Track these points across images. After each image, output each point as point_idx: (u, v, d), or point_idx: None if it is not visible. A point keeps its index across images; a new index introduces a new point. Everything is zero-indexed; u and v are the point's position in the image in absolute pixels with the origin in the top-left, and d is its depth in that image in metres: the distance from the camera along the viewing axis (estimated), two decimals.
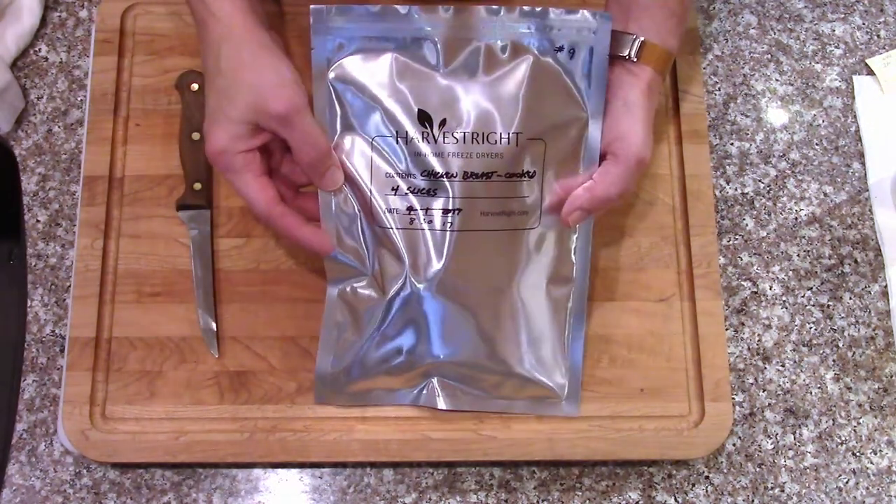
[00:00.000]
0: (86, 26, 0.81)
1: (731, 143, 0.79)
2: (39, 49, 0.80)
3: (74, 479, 0.70)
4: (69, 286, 0.73)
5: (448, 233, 0.64)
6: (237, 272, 0.72)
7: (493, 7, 0.63)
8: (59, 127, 0.78)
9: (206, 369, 0.70)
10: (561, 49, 0.64)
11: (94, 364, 0.70)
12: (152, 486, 0.70)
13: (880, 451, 0.71)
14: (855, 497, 0.70)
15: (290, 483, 0.70)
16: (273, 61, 0.62)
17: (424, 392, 0.68)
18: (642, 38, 0.64)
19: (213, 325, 0.71)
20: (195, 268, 0.72)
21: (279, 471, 0.70)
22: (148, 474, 0.70)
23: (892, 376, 0.73)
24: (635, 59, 0.64)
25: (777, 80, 0.80)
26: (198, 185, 0.73)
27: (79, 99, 0.79)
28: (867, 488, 0.70)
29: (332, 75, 0.63)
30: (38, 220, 0.76)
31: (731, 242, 0.76)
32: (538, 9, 0.63)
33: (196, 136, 0.73)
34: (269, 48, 0.62)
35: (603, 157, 0.65)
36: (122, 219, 0.73)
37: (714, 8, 0.82)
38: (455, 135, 0.63)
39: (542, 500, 0.70)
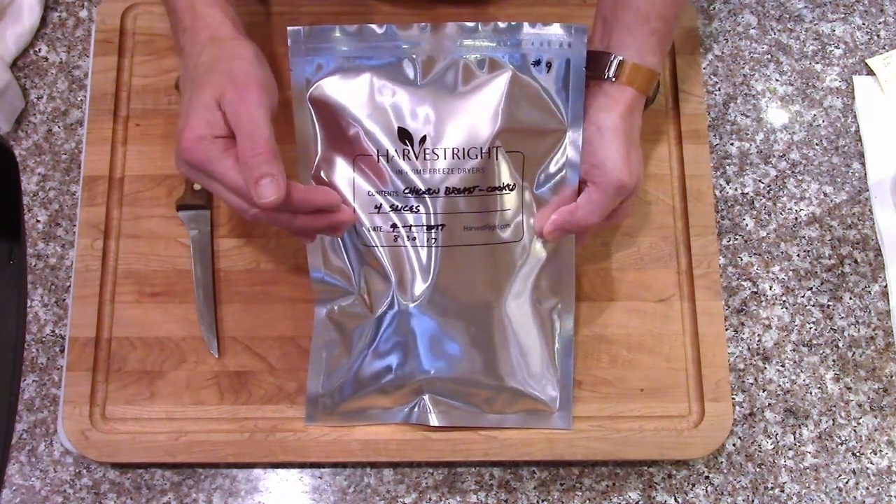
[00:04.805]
0: (86, 26, 0.81)
1: (731, 143, 0.79)
2: (39, 49, 0.80)
3: (74, 479, 0.70)
4: (69, 286, 0.73)
5: (433, 249, 0.65)
6: (237, 272, 0.73)
7: (469, 24, 0.64)
8: (59, 127, 0.78)
9: (206, 369, 0.70)
10: (537, 63, 0.64)
11: (94, 364, 0.70)
12: (152, 486, 0.70)
13: (880, 451, 0.71)
14: (855, 497, 0.70)
15: (290, 483, 0.70)
16: (251, 58, 0.61)
17: (416, 409, 0.68)
18: (621, 58, 0.64)
19: (213, 325, 0.71)
20: (195, 268, 0.72)
21: (279, 471, 0.70)
22: (148, 474, 0.70)
23: (892, 376, 0.73)
24: (614, 80, 0.64)
25: (777, 80, 0.81)
26: (198, 185, 0.73)
27: (79, 99, 0.79)
28: (867, 488, 0.70)
29: (311, 96, 0.63)
30: (38, 220, 0.76)
31: (731, 242, 0.76)
32: (513, 24, 0.64)
33: None
34: (252, 51, 0.62)
35: (584, 183, 0.65)
36: (122, 219, 0.73)
37: (714, 8, 0.82)
38: (436, 151, 0.63)
39: (542, 500, 0.70)
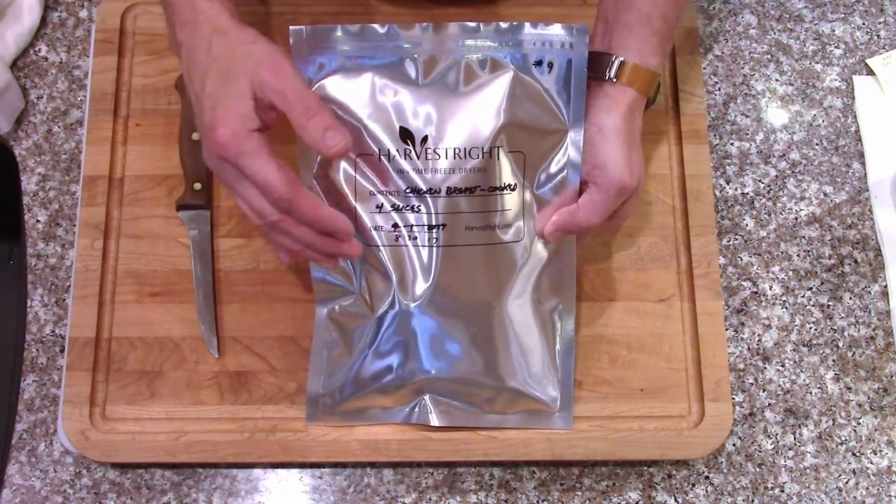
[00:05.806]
0: (86, 26, 0.81)
1: (731, 143, 0.79)
2: (39, 49, 0.80)
3: (74, 479, 0.70)
4: (69, 286, 0.73)
5: (434, 248, 0.65)
6: (237, 272, 0.73)
7: (471, 24, 0.64)
8: (59, 127, 0.78)
9: (206, 369, 0.70)
10: (539, 63, 0.64)
11: (94, 364, 0.70)
12: (152, 486, 0.70)
13: (880, 451, 0.71)
14: (855, 497, 0.70)
15: (290, 483, 0.70)
16: (263, 39, 0.61)
17: (417, 410, 0.68)
18: (622, 59, 0.64)
19: (213, 325, 0.71)
20: (195, 268, 0.72)
21: (279, 471, 0.70)
22: (148, 474, 0.70)
23: (892, 376, 0.73)
24: (615, 81, 0.64)
25: (777, 80, 0.81)
26: (198, 185, 0.73)
27: (79, 99, 0.79)
28: (867, 488, 0.70)
29: None
30: (38, 220, 0.76)
31: (731, 242, 0.76)
32: (514, 24, 0.64)
33: (196, 136, 0.73)
34: (258, 34, 0.62)
35: (585, 184, 0.65)
36: (122, 219, 0.73)
37: (714, 8, 0.82)
38: (437, 151, 0.63)
39: (542, 500, 0.70)
